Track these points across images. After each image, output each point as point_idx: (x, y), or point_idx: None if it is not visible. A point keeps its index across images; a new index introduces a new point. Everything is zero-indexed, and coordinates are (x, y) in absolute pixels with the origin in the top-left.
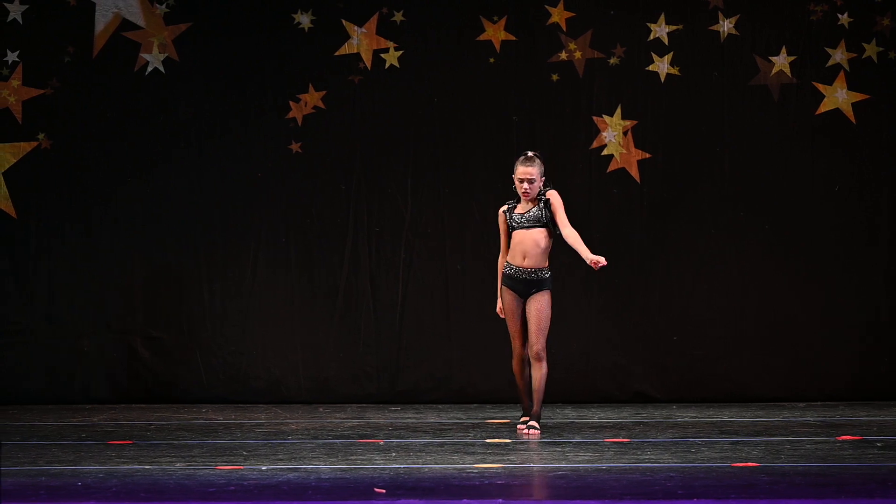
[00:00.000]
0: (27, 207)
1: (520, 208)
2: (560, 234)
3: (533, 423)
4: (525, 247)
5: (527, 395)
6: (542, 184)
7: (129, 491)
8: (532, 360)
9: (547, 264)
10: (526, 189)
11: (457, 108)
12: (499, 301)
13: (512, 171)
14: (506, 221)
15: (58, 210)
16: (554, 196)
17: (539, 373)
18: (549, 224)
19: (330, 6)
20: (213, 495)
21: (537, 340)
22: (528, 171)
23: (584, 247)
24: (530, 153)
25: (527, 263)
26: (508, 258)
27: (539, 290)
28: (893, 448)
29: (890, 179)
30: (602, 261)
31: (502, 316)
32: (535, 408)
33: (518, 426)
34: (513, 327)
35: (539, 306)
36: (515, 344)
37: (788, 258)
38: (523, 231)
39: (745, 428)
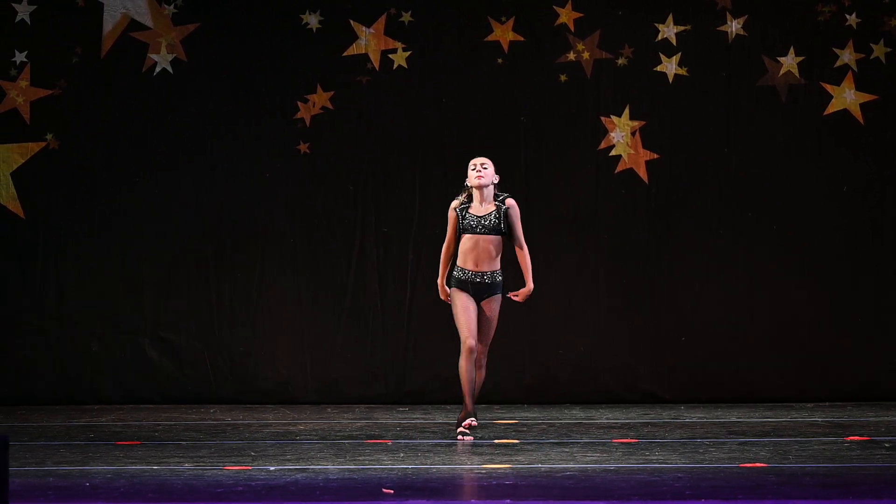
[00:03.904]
0: (35, 208)
1: (475, 209)
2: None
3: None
4: (477, 253)
5: (472, 396)
6: (495, 179)
7: (137, 491)
8: (475, 367)
9: (499, 267)
10: (480, 172)
11: (465, 109)
12: (441, 288)
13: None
14: (457, 220)
15: (66, 210)
16: (514, 207)
17: (481, 377)
18: (506, 233)
19: (338, 7)
20: (221, 496)
21: (485, 348)
22: (482, 159)
23: (530, 275)
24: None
25: (480, 269)
26: (459, 262)
27: (491, 294)
28: None
29: None
30: (521, 297)
31: (447, 299)
32: (471, 406)
33: (461, 429)
34: (465, 318)
35: (492, 314)
36: (466, 336)
37: (796, 258)
38: (477, 237)
39: (753, 428)
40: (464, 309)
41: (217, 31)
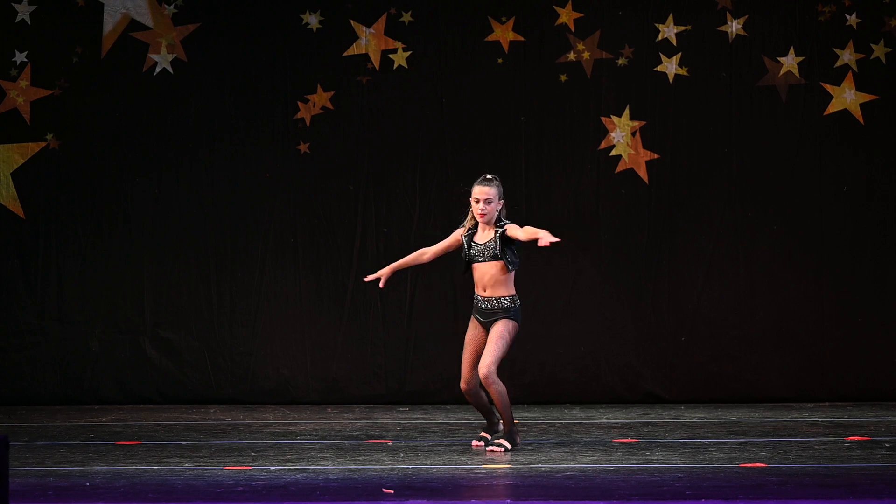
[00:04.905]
0: (36, 208)
1: (478, 237)
2: (513, 265)
3: (502, 440)
4: (485, 281)
5: (486, 413)
6: (499, 206)
7: (138, 491)
8: (483, 383)
9: (513, 292)
10: (483, 209)
11: (465, 109)
12: (385, 271)
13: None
14: (460, 245)
15: (66, 211)
16: (509, 226)
17: (493, 393)
18: (503, 256)
19: (338, 7)
20: (221, 496)
21: (488, 363)
22: (485, 191)
23: (536, 230)
24: (489, 175)
25: (488, 293)
26: (475, 290)
27: (500, 317)
28: None
29: None
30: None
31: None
32: (506, 426)
33: (474, 441)
34: (466, 356)
35: (499, 329)
36: (463, 375)
37: (796, 258)
38: (482, 265)
39: (754, 428)
40: (467, 345)
41: (217, 31)
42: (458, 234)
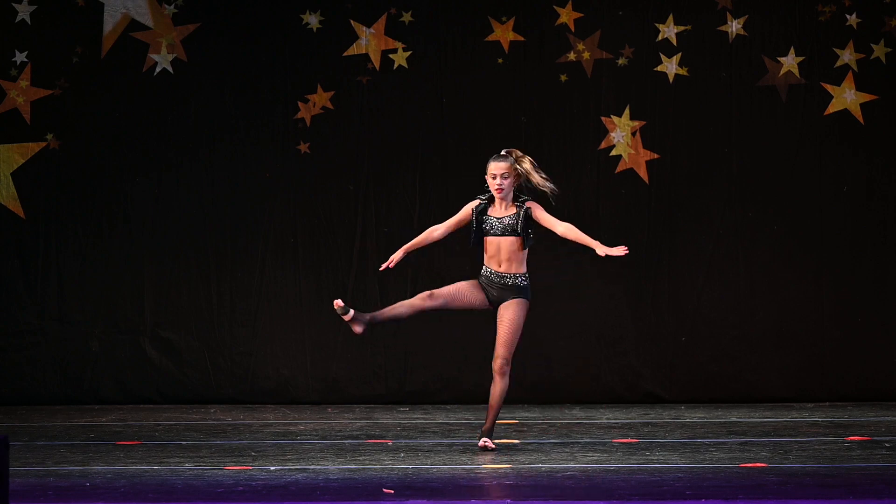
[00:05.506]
0: (36, 208)
1: (494, 211)
2: (529, 242)
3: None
4: (501, 256)
5: (491, 410)
6: (515, 182)
7: (138, 491)
8: (494, 374)
9: (524, 270)
10: (499, 185)
11: (465, 109)
12: (396, 254)
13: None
14: (471, 217)
15: (66, 210)
16: (536, 206)
17: (498, 388)
18: (524, 233)
19: (338, 7)
20: (221, 496)
21: (504, 352)
22: (500, 166)
23: (590, 238)
24: (503, 151)
25: (504, 269)
26: (486, 262)
27: (513, 296)
28: None
29: None
30: (619, 251)
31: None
32: (488, 424)
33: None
34: (450, 286)
35: (511, 318)
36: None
37: (796, 258)
38: (498, 239)
39: (754, 428)
40: (456, 286)
41: (217, 31)
42: (468, 208)
